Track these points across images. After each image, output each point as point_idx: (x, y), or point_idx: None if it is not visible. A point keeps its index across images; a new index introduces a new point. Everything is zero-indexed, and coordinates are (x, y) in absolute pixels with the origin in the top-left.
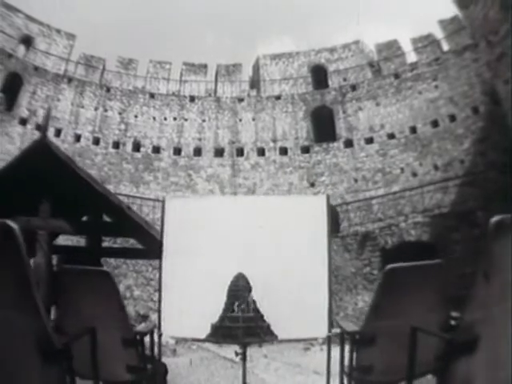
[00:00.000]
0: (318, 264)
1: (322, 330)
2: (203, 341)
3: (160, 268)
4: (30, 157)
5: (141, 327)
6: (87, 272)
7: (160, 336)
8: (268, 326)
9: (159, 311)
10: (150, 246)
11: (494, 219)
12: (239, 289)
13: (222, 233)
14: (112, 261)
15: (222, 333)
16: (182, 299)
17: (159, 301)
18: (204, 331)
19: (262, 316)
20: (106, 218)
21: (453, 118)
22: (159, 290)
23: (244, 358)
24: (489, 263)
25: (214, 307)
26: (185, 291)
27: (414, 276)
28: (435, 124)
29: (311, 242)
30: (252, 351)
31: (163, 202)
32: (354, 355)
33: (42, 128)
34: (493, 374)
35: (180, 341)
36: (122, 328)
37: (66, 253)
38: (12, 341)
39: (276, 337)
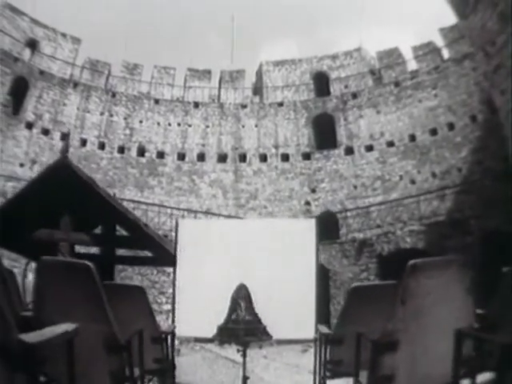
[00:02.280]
0: (308, 277)
1: (309, 332)
2: (211, 340)
3: (174, 279)
4: (51, 175)
5: (165, 328)
6: (125, 286)
7: (173, 336)
8: (264, 328)
9: (173, 315)
10: (164, 258)
11: (410, 262)
12: (241, 296)
13: (227, 249)
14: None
15: (226, 333)
16: (193, 305)
17: (173, 306)
18: (211, 332)
19: (259, 319)
20: (122, 232)
21: (451, 126)
22: (173, 297)
23: (244, 355)
24: (405, 292)
25: (219, 312)
26: (195, 298)
27: (373, 293)
28: (434, 132)
29: (302, 258)
30: (253, 353)
31: (177, 222)
32: (328, 351)
33: (62, 149)
34: (410, 368)
35: (183, 341)
36: (151, 328)
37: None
38: (87, 343)
39: (271, 337)
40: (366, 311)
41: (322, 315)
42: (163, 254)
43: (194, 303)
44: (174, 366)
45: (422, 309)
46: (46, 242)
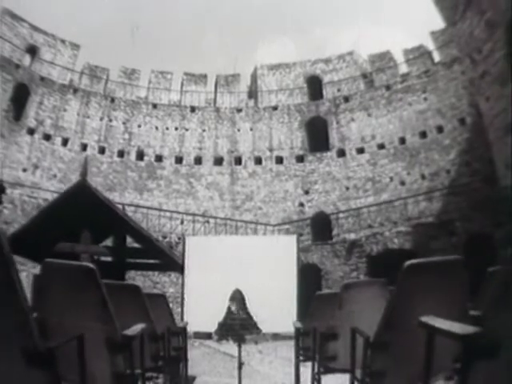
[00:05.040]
0: (290, 282)
1: (291, 327)
2: (209, 335)
3: (182, 284)
4: (72, 195)
5: (181, 324)
6: (154, 295)
7: (185, 331)
8: (255, 323)
9: (182, 314)
10: (170, 265)
11: (344, 282)
12: (236, 299)
13: (225, 260)
14: None
15: (225, 328)
16: (196, 306)
17: (182, 307)
18: (212, 327)
19: (251, 317)
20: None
21: (440, 129)
22: (181, 299)
23: (239, 345)
24: (341, 301)
25: (219, 311)
26: (198, 300)
27: (332, 298)
28: (423, 135)
29: (285, 267)
30: (249, 348)
31: (184, 239)
32: (300, 341)
33: (82, 172)
34: (346, 351)
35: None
36: (171, 325)
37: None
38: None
39: (261, 330)
40: (325, 312)
41: None
42: (170, 262)
43: (197, 305)
44: (186, 353)
45: (353, 313)
46: (69, 254)
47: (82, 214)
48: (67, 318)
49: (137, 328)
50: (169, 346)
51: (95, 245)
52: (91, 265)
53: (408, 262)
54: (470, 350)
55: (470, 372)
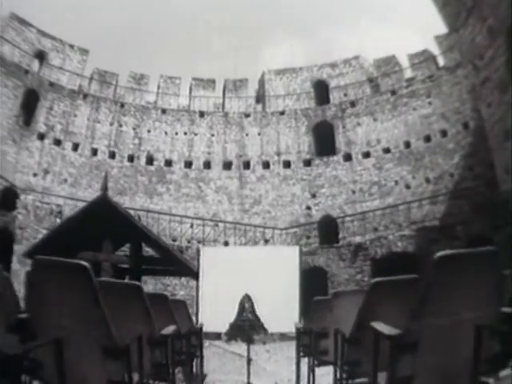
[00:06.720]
0: (294, 287)
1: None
2: (219, 335)
3: (197, 289)
4: (93, 208)
5: (198, 325)
6: (176, 300)
7: (201, 331)
8: (262, 324)
9: (197, 316)
10: (184, 270)
11: (333, 291)
12: (246, 303)
13: (236, 267)
14: None
15: (235, 328)
16: (208, 308)
17: (196, 309)
18: (222, 328)
19: (258, 318)
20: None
21: (444, 133)
22: (196, 303)
23: (248, 344)
24: (331, 306)
25: (228, 314)
26: (209, 303)
27: (325, 304)
28: (428, 139)
29: (289, 274)
30: (257, 348)
31: (198, 249)
32: (301, 339)
33: (102, 186)
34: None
35: None
36: (190, 325)
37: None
38: None
39: (267, 330)
40: (320, 315)
41: None
42: (184, 268)
43: (208, 307)
44: (202, 350)
45: (341, 315)
46: (91, 262)
47: (103, 224)
48: (120, 322)
49: (170, 328)
50: (190, 343)
51: (115, 253)
52: (138, 283)
53: (374, 280)
54: (395, 347)
55: (397, 364)
